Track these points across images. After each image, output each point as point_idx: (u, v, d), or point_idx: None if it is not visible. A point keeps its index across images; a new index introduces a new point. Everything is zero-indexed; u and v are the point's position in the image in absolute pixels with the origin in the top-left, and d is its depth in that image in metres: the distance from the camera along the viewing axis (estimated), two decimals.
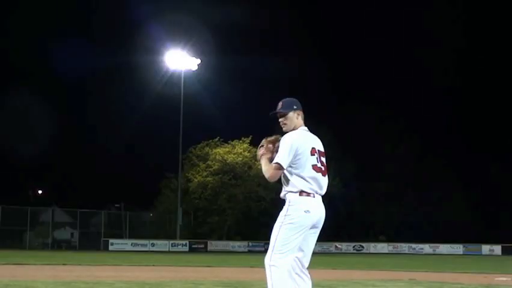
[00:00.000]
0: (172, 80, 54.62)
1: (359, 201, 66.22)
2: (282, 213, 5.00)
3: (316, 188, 5.01)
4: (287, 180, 5.03)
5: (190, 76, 55.04)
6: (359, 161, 64.40)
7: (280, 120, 5.22)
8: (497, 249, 53.83)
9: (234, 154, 55.79)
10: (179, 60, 53.60)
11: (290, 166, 4.98)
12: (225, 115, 63.76)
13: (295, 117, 5.17)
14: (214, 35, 66.52)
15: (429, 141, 67.03)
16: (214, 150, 56.58)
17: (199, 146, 57.98)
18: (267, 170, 5.06)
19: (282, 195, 5.10)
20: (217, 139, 57.41)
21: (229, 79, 69.24)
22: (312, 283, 5.15)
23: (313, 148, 5.06)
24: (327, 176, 5.14)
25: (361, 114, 66.54)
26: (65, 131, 75.21)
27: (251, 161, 54.11)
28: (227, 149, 56.40)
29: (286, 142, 4.99)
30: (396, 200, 65.90)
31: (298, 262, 5.02)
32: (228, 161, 55.52)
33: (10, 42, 77.42)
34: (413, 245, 55.27)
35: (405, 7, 77.35)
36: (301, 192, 4.95)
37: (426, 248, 55.04)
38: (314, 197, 5.00)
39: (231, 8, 68.82)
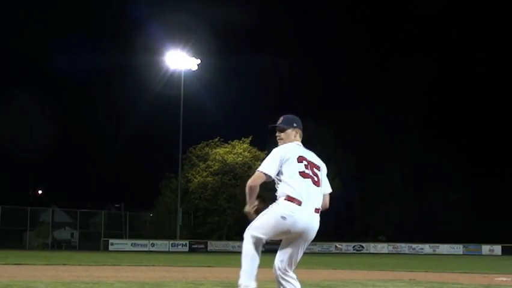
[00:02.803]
0: (172, 80, 54.63)
1: (359, 201, 66.22)
2: (270, 206, 5.13)
3: (302, 194, 4.92)
4: (276, 188, 5.11)
5: (190, 76, 55.02)
6: (359, 161, 64.39)
7: (277, 134, 5.21)
8: (497, 249, 53.82)
9: (234, 154, 55.77)
10: (179, 60, 53.60)
11: (278, 175, 5.01)
12: (225, 115, 63.88)
13: (292, 135, 5.17)
14: (214, 35, 66.65)
15: (430, 141, 67.02)
16: (214, 151, 56.56)
17: (199, 146, 57.96)
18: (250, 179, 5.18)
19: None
20: (217, 139, 57.41)
21: (229, 79, 69.40)
22: (301, 282, 5.21)
23: (301, 156, 5.02)
24: (320, 188, 5.05)
25: (361, 115, 66.60)
26: (65, 131, 75.31)
27: (251, 161, 54.14)
28: (227, 149, 56.39)
29: (272, 152, 5.06)
30: (396, 200, 65.88)
31: (282, 268, 5.06)
32: (228, 161, 55.51)
33: (10, 43, 77.49)
34: (413, 245, 55.26)
35: None
36: (287, 197, 4.97)
37: (426, 248, 55.02)
38: (300, 205, 4.91)
39: (231, 8, 68.86)
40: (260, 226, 5.10)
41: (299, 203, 4.90)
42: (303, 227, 4.94)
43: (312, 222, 4.98)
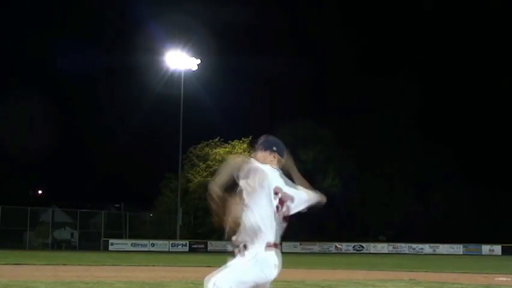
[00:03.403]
0: (172, 80, 54.65)
1: (359, 201, 66.20)
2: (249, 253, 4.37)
3: (277, 236, 4.41)
4: (245, 218, 4.40)
5: (190, 76, 55.04)
6: (359, 161, 64.38)
7: (252, 154, 4.73)
8: (497, 249, 53.83)
9: (234, 154, 55.83)
10: (179, 60, 53.61)
11: (254, 203, 4.36)
12: (225, 115, 63.81)
13: (269, 159, 4.59)
14: (214, 35, 66.60)
15: (429, 141, 66.99)
16: (214, 151, 56.58)
17: (199, 146, 58.00)
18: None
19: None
20: (217, 139, 57.45)
21: (229, 79, 69.32)
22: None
23: (276, 187, 4.44)
24: (285, 224, 4.52)
25: (361, 115, 66.56)
26: (65, 131, 75.28)
27: None
28: (227, 149, 56.38)
29: (260, 170, 4.42)
30: (396, 200, 65.89)
31: None
32: None
33: (11, 43, 77.51)
34: (413, 245, 55.26)
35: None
36: (269, 244, 4.34)
37: (426, 248, 55.02)
38: (277, 248, 4.41)
39: (231, 8, 68.87)
40: (238, 281, 4.24)
41: (276, 246, 4.41)
42: (277, 272, 4.44)
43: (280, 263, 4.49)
